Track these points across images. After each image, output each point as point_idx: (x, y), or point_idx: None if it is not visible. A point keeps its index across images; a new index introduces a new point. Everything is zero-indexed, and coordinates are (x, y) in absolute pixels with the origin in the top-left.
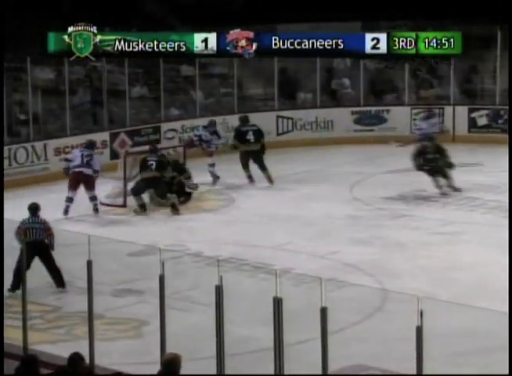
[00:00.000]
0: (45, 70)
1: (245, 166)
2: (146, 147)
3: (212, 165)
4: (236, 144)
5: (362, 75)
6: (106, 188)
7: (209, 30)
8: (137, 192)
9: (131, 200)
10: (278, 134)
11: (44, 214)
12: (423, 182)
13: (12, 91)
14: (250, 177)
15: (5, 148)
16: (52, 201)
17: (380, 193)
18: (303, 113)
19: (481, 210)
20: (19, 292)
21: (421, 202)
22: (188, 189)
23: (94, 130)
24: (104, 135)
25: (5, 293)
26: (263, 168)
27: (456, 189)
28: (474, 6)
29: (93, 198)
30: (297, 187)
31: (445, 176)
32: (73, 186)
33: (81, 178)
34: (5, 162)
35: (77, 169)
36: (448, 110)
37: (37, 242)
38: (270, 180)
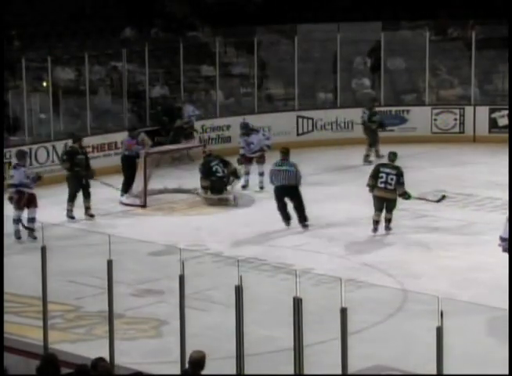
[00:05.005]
0: (65, 70)
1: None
2: (166, 147)
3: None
4: None
5: (382, 75)
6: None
7: (230, 30)
8: None
9: (151, 201)
10: (298, 134)
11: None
12: (444, 182)
13: (33, 90)
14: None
15: (26, 148)
16: None
17: None
18: (323, 113)
19: (501, 210)
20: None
21: (442, 203)
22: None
23: (114, 130)
24: (124, 135)
25: None
26: None
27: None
28: (495, 6)
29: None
30: (317, 187)
31: None
32: None
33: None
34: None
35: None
36: (469, 110)
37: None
38: None
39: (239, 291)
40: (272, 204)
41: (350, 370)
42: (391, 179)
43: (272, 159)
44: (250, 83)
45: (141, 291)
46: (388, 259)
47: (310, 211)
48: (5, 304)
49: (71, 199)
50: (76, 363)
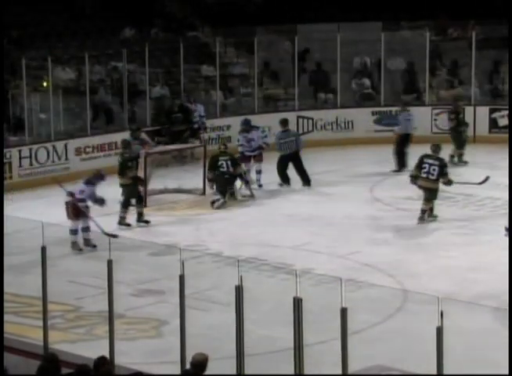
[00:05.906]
0: (65, 70)
1: None
2: (167, 147)
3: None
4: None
5: (383, 75)
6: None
7: (230, 30)
8: None
9: (151, 201)
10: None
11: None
12: None
13: (33, 90)
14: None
15: (26, 148)
16: None
17: (400, 193)
18: (323, 113)
19: (501, 210)
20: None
21: (441, 203)
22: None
23: (114, 130)
24: (124, 135)
25: None
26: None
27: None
28: (495, 6)
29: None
30: (318, 187)
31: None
32: None
33: None
34: (26, 162)
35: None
36: (469, 110)
37: None
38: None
39: (239, 291)
40: (272, 204)
41: (350, 370)
42: (434, 170)
43: (271, 159)
44: (250, 83)
45: (141, 291)
46: (388, 259)
47: (310, 211)
48: (5, 304)
49: (126, 205)
50: (76, 363)
